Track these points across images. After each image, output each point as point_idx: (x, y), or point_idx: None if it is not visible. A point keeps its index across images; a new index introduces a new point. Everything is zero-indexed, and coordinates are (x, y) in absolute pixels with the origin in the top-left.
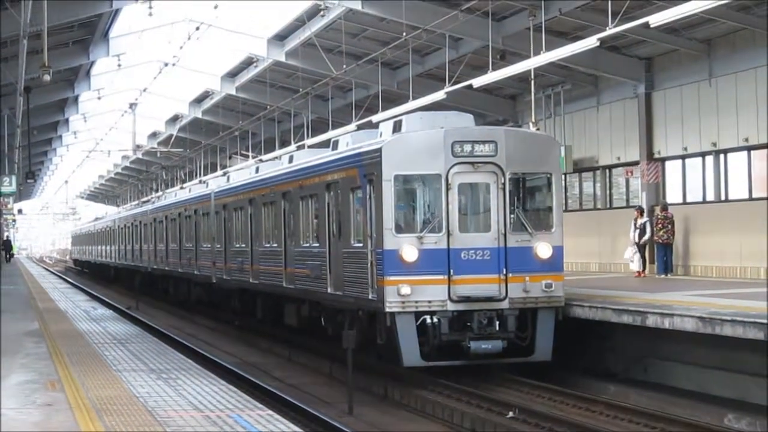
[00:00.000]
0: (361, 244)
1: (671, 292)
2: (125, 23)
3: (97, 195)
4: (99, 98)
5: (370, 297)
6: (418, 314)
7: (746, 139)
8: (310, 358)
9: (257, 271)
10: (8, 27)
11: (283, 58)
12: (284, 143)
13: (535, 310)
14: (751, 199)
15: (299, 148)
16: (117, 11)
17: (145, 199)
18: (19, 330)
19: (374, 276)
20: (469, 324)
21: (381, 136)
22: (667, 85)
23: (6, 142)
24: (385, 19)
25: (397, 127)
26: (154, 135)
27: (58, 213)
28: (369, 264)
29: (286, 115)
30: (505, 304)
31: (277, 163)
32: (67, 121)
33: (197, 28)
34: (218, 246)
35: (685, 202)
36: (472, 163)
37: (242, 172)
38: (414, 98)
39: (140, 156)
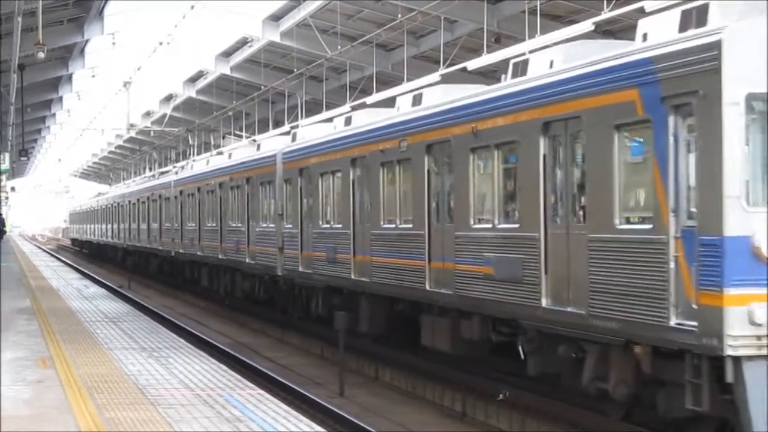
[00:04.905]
0: (647, 226)
1: None
2: (120, 2)
3: (91, 173)
4: (93, 76)
5: (671, 324)
6: None
7: None
8: (302, 339)
9: (365, 264)
10: (3, 4)
11: (277, 39)
12: (278, 124)
13: None
14: None
15: (293, 128)
16: None
17: (164, 169)
18: (10, 307)
19: (686, 285)
20: None
21: (646, 39)
22: None
23: (0, 119)
24: (380, 1)
25: (693, 19)
26: (148, 114)
27: (51, 191)
28: (672, 263)
29: (280, 96)
30: None
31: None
32: (60, 99)
33: (192, 7)
34: (289, 226)
35: None
36: None
37: (316, 126)
38: (408, 80)
39: (134, 135)
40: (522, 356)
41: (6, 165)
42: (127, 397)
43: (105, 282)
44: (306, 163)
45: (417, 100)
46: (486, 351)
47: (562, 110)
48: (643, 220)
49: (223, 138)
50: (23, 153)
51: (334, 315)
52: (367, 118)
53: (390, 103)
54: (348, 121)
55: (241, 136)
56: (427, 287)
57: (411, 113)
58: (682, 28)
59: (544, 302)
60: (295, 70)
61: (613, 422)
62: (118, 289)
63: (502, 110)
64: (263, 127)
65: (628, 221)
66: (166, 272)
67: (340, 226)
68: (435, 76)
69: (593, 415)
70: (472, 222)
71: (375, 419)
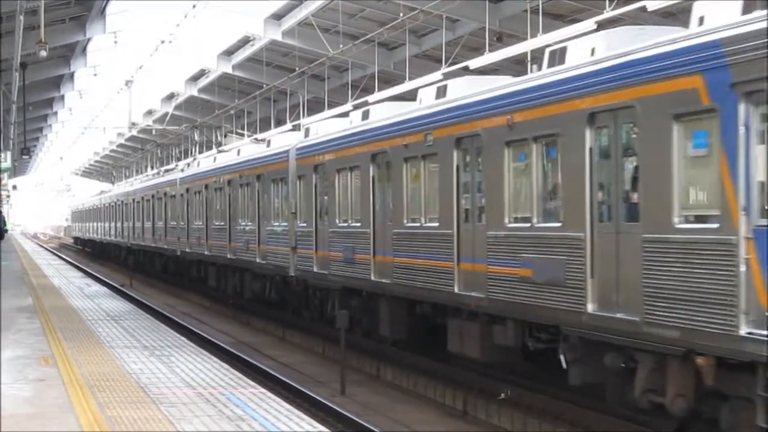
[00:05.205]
0: (713, 226)
1: None
2: (122, 0)
3: (92, 172)
4: (95, 75)
5: (742, 333)
6: None
7: None
8: (303, 337)
9: (386, 265)
10: (5, 3)
11: (279, 37)
12: (280, 122)
13: None
14: None
15: (295, 128)
16: None
17: (169, 166)
18: (11, 306)
19: (759, 290)
20: None
21: (702, 23)
22: None
23: (1, 117)
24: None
25: (758, 1)
26: (149, 112)
27: (53, 189)
28: (743, 266)
29: (282, 95)
30: None
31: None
32: (62, 97)
33: (194, 6)
34: (303, 224)
35: None
36: None
37: (330, 121)
38: (410, 79)
39: (135, 133)
40: (564, 365)
41: (8, 163)
42: (129, 395)
43: (107, 280)
44: (321, 159)
45: (441, 92)
46: (520, 358)
47: (611, 99)
48: (708, 219)
49: (225, 136)
50: (25, 151)
51: (336, 314)
52: (388, 112)
53: (394, 100)
54: (365, 115)
55: (243, 135)
56: (456, 290)
57: (437, 105)
58: (746, 10)
59: (589, 307)
60: (297, 68)
61: (614, 421)
62: (119, 287)
63: (542, 100)
64: (265, 126)
65: (689, 220)
66: (171, 272)
67: (358, 224)
68: (437, 75)
69: (594, 414)
70: (506, 221)
71: (376, 417)
